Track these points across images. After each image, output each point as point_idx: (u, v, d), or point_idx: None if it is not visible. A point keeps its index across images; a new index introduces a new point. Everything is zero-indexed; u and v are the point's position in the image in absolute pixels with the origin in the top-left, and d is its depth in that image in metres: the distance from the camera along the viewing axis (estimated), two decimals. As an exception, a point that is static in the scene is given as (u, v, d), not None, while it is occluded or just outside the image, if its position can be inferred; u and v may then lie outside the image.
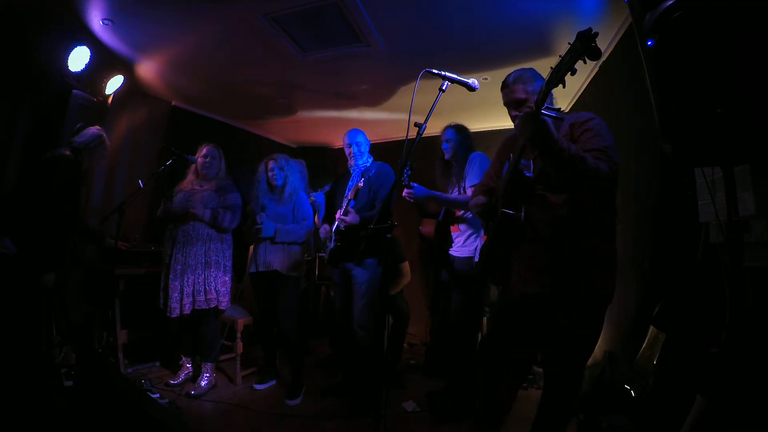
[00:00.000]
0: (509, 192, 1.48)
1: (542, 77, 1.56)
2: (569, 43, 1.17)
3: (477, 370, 1.66)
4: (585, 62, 1.16)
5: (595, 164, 1.31)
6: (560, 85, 1.23)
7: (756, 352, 1.21)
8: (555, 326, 1.46)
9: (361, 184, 2.55)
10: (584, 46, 1.13)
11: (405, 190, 2.45)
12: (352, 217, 2.47)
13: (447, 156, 2.63)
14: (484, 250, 1.68)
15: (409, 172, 2.54)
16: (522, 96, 1.53)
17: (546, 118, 1.29)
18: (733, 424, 1.19)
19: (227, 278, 2.81)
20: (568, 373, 1.51)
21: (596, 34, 1.12)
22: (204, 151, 2.85)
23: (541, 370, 2.35)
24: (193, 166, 2.88)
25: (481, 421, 1.65)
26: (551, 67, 1.23)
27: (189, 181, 2.86)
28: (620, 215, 1.53)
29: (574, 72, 1.18)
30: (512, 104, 1.56)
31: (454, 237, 2.61)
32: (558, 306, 1.44)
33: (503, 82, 1.61)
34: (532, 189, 1.47)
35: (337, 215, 2.56)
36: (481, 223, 1.93)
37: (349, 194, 2.58)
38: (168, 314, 2.63)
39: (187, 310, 2.62)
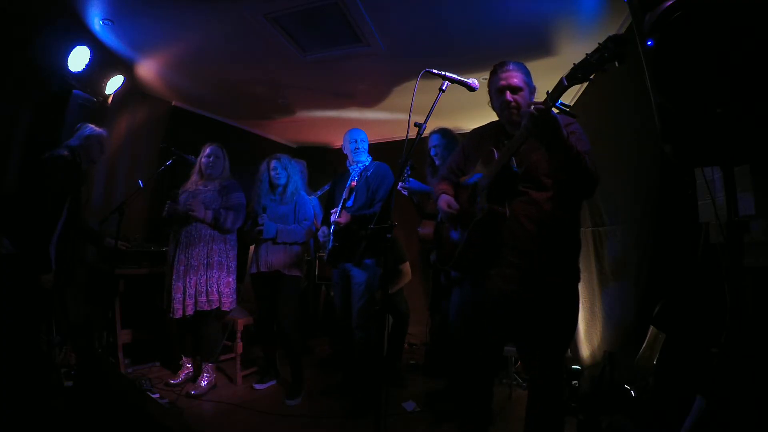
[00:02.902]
0: (496, 188, 1.48)
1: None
2: (599, 43, 1.14)
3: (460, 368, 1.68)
4: (617, 65, 1.13)
5: (592, 165, 1.34)
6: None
7: (756, 352, 1.21)
8: (533, 321, 1.47)
9: (354, 183, 2.55)
10: (618, 49, 1.10)
11: (400, 183, 2.47)
12: (344, 217, 2.48)
13: (437, 162, 2.67)
14: (461, 248, 1.65)
15: (410, 171, 2.56)
16: (521, 84, 1.54)
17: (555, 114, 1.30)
18: (733, 424, 1.20)
19: (231, 279, 2.81)
20: (549, 368, 1.50)
21: (628, 40, 1.11)
22: (207, 150, 2.86)
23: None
24: (197, 166, 2.89)
25: (469, 419, 1.67)
26: (574, 63, 1.20)
27: (193, 181, 2.87)
28: (621, 216, 1.54)
29: (604, 71, 1.16)
30: (509, 88, 1.54)
31: None
32: (537, 301, 1.44)
33: (500, 64, 1.59)
34: (516, 186, 1.49)
35: (333, 217, 2.56)
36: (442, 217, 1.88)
37: (345, 193, 2.58)
38: (171, 315, 2.63)
39: (189, 311, 2.63)
